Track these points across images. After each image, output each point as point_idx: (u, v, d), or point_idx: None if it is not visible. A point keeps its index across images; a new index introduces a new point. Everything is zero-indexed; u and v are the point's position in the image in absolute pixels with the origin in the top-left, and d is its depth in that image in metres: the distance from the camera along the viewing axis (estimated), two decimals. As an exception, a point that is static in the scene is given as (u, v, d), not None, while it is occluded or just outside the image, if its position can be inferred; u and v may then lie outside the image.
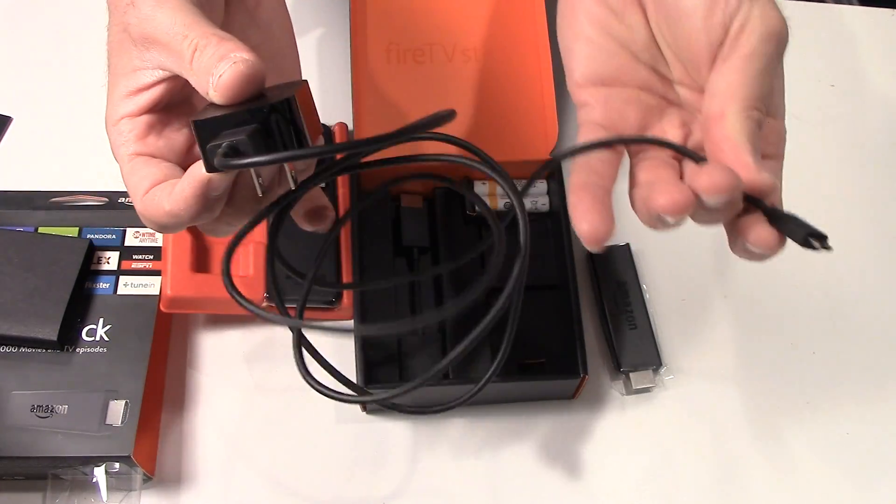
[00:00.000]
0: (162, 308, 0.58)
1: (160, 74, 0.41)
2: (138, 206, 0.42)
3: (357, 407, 0.59)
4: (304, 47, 0.72)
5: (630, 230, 0.65)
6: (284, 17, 0.48)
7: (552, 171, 0.63)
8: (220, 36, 0.39)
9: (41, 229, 0.60)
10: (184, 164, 0.43)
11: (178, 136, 0.43)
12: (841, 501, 0.59)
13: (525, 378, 0.59)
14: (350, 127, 0.64)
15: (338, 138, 0.65)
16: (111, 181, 0.61)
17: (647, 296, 0.63)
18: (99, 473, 0.53)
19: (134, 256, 0.60)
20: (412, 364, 0.59)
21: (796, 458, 0.60)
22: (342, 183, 0.63)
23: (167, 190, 0.40)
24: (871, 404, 0.62)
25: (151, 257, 0.60)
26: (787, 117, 0.71)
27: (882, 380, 0.63)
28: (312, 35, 0.74)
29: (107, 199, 0.62)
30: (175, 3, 0.40)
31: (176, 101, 0.43)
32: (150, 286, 0.59)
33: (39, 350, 0.56)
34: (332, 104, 0.69)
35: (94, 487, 0.53)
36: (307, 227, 0.50)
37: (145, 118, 0.42)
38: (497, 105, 0.63)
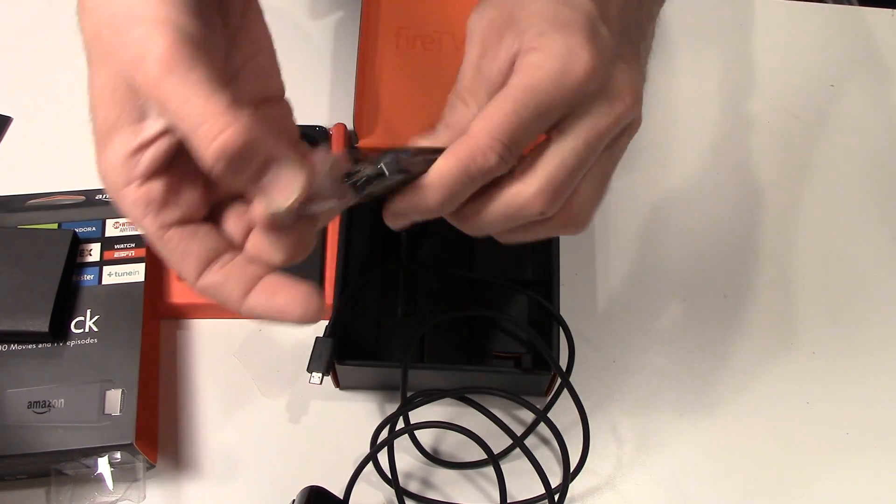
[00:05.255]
0: (155, 314, 0.64)
1: (163, 126, 0.38)
2: (197, 288, 0.40)
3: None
4: (309, 39, 0.77)
5: (628, 228, 0.71)
6: (268, 36, 0.44)
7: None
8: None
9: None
10: (205, 215, 0.41)
11: (195, 187, 0.40)
12: (841, 501, 0.62)
13: (494, 368, 0.62)
14: (349, 125, 0.68)
15: (335, 139, 0.69)
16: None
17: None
18: (102, 464, 0.57)
19: (115, 246, 0.64)
20: (388, 346, 0.63)
21: (796, 457, 0.63)
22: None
23: (235, 277, 0.39)
24: (871, 404, 0.65)
25: (133, 245, 0.64)
26: (787, 117, 0.76)
27: (882, 380, 0.66)
28: (321, 24, 0.78)
29: (84, 197, 0.66)
30: (169, 38, 0.36)
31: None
32: (134, 274, 0.63)
33: (30, 346, 0.59)
34: (332, 104, 0.73)
35: (98, 480, 0.57)
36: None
37: (160, 183, 0.39)
38: None
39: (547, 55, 0.41)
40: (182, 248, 0.39)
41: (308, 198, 0.38)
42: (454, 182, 0.41)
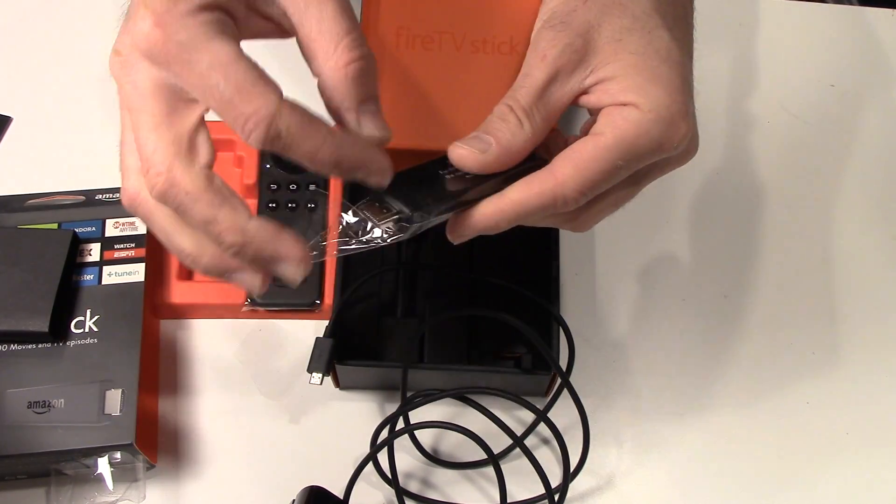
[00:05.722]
0: (155, 314, 0.65)
1: (278, 13, 0.41)
2: (283, 109, 0.39)
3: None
4: None
5: (628, 227, 0.71)
6: None
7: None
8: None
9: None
10: None
11: None
12: (841, 501, 0.63)
13: (494, 368, 0.62)
14: None
15: None
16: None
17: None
18: (102, 464, 0.57)
19: (115, 246, 0.64)
20: (388, 346, 0.63)
21: (796, 458, 0.64)
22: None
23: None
24: (871, 404, 0.66)
25: (133, 245, 0.64)
26: (787, 117, 0.76)
27: (882, 380, 0.67)
28: None
29: (84, 197, 0.66)
30: None
31: None
32: (134, 274, 0.63)
33: (30, 346, 0.59)
34: None
35: (98, 480, 0.58)
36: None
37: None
38: (500, 99, 0.67)
39: (652, 121, 0.43)
40: (259, 68, 0.39)
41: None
42: (529, 213, 0.44)
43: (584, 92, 0.45)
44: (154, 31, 0.38)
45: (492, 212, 0.44)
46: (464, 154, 0.44)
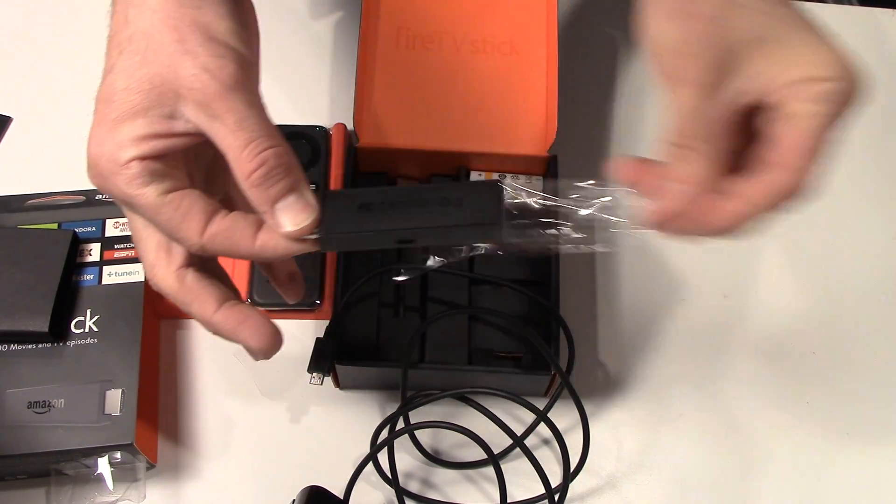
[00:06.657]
0: (155, 314, 0.65)
1: (193, 129, 0.42)
2: (204, 240, 0.42)
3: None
4: (309, 39, 0.77)
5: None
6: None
7: (548, 168, 0.66)
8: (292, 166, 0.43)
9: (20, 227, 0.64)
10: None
11: (199, 165, 0.46)
12: (841, 501, 0.63)
13: (494, 368, 0.62)
14: (349, 125, 0.67)
15: (335, 139, 0.69)
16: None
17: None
18: (102, 464, 0.57)
19: (115, 246, 0.64)
20: (388, 346, 0.63)
21: (796, 457, 0.64)
22: (335, 164, 0.68)
23: (242, 222, 0.43)
24: (871, 404, 0.66)
25: (133, 245, 0.64)
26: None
27: (882, 380, 0.67)
28: (321, 24, 0.78)
29: (84, 197, 0.66)
30: (232, 70, 0.41)
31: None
32: (134, 274, 0.63)
33: (30, 346, 0.59)
34: (332, 104, 0.74)
35: (98, 480, 0.58)
36: (282, 291, 0.54)
37: (166, 161, 0.43)
38: (499, 99, 0.66)
39: (838, 80, 0.48)
40: (186, 204, 0.42)
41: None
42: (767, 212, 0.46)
43: (744, 93, 0.46)
44: (98, 184, 0.43)
45: (735, 216, 0.45)
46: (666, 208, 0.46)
